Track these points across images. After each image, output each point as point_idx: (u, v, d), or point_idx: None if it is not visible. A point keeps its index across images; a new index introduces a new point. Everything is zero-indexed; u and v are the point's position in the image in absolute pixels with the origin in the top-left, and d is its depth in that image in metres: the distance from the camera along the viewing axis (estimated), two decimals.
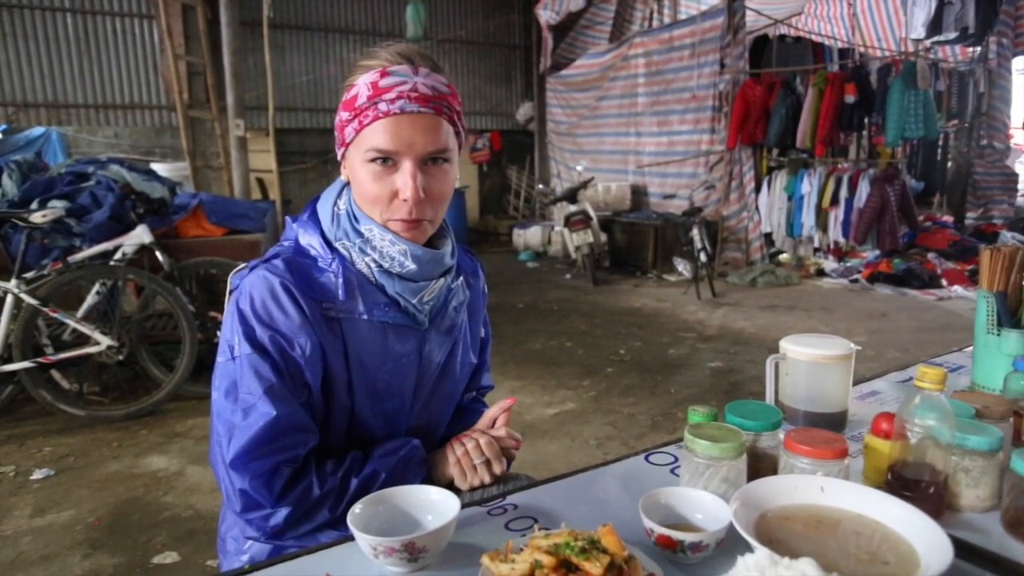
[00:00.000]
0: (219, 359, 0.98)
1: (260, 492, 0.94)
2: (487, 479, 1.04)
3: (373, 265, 1.00)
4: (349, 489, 0.97)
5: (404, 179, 0.95)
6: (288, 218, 1.08)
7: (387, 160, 0.95)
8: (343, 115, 0.97)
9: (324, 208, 1.04)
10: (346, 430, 1.06)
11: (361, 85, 0.94)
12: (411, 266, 0.99)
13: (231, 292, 1.01)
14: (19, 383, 3.33)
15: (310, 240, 1.02)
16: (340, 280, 0.98)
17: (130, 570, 2.20)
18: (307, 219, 1.05)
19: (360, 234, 1.00)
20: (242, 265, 1.03)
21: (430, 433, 1.16)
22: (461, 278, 1.12)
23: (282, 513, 0.94)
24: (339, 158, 1.03)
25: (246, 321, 0.95)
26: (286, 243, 1.04)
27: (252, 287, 0.96)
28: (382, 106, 0.93)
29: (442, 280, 1.05)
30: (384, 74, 0.94)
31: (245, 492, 0.94)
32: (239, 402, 0.94)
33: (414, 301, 1.02)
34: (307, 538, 0.99)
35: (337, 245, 1.01)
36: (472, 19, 10.29)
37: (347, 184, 1.05)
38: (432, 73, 0.96)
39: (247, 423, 0.93)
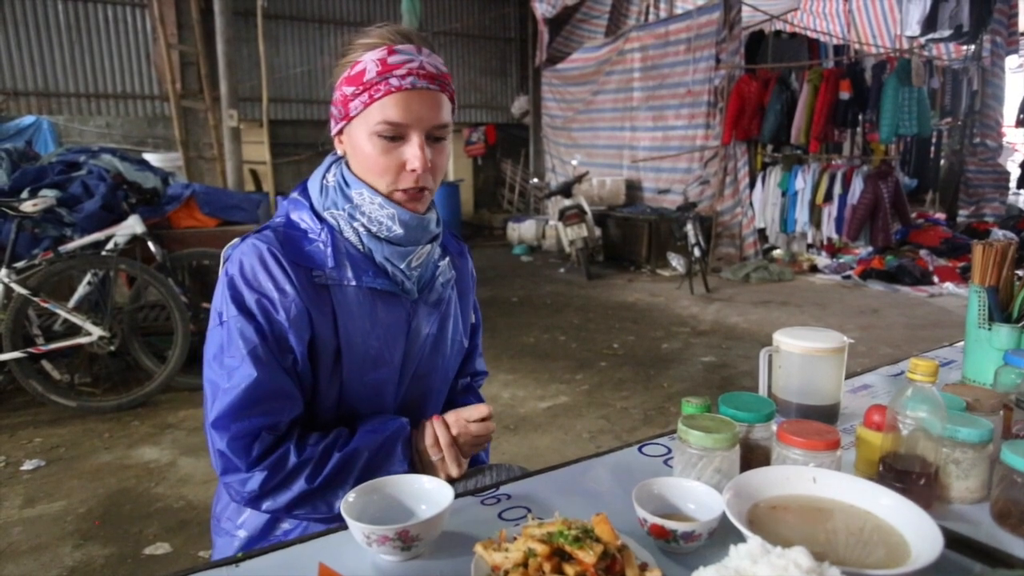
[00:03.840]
0: (209, 325, 1.01)
1: (237, 454, 0.95)
2: (447, 475, 1.06)
3: (362, 230, 1.03)
4: (329, 461, 0.98)
5: (413, 151, 0.99)
6: (279, 197, 1.12)
7: (395, 133, 0.98)
8: (347, 90, 0.99)
9: (313, 184, 1.08)
10: (335, 403, 1.06)
11: (368, 61, 0.97)
12: (398, 230, 1.02)
13: (224, 263, 1.04)
14: (9, 373, 3.31)
15: (300, 215, 1.05)
16: (329, 249, 1.02)
17: (122, 561, 2.19)
18: (297, 196, 1.08)
19: (349, 200, 1.03)
20: (236, 239, 1.05)
21: (421, 407, 1.16)
22: (447, 258, 1.16)
23: (257, 478, 0.96)
24: (334, 133, 1.05)
25: (234, 286, 0.98)
26: (278, 219, 1.07)
27: (242, 255, 1.00)
28: (393, 81, 0.96)
29: (429, 246, 1.08)
30: (392, 51, 0.97)
31: (223, 453, 0.96)
32: (224, 366, 0.97)
33: (402, 266, 1.04)
34: (290, 513, 1.00)
35: (326, 215, 1.04)
36: (468, 12, 10.25)
37: (337, 159, 1.08)
38: (432, 53, 1.01)
39: (230, 385, 0.95)
